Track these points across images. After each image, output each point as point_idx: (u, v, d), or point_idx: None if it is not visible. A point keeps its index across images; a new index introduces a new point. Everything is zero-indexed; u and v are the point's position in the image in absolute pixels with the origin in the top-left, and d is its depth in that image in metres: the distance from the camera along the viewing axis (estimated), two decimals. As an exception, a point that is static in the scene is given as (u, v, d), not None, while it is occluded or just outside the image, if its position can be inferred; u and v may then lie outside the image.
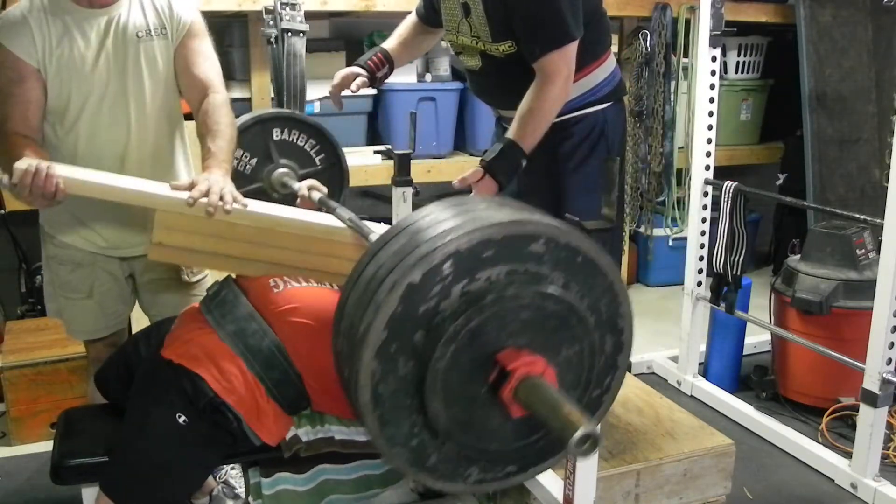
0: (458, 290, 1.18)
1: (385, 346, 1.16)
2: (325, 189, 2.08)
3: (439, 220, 1.21)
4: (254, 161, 2.27)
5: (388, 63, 2.32)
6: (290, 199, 2.18)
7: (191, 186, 1.77)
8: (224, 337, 1.73)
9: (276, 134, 2.29)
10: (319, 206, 2.00)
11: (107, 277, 2.13)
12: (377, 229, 1.76)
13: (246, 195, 2.24)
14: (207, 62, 2.06)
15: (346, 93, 2.29)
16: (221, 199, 1.76)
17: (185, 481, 1.76)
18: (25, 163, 1.70)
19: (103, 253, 2.10)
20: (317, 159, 2.35)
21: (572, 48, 1.98)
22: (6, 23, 1.91)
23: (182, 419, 1.66)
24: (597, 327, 1.28)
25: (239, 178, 2.24)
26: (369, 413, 1.19)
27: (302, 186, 2.09)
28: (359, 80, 2.24)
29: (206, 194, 1.76)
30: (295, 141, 2.31)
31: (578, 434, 1.05)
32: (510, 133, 2.01)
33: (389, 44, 2.35)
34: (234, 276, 1.90)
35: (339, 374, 1.30)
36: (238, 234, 1.81)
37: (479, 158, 2.05)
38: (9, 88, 1.89)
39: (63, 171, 1.74)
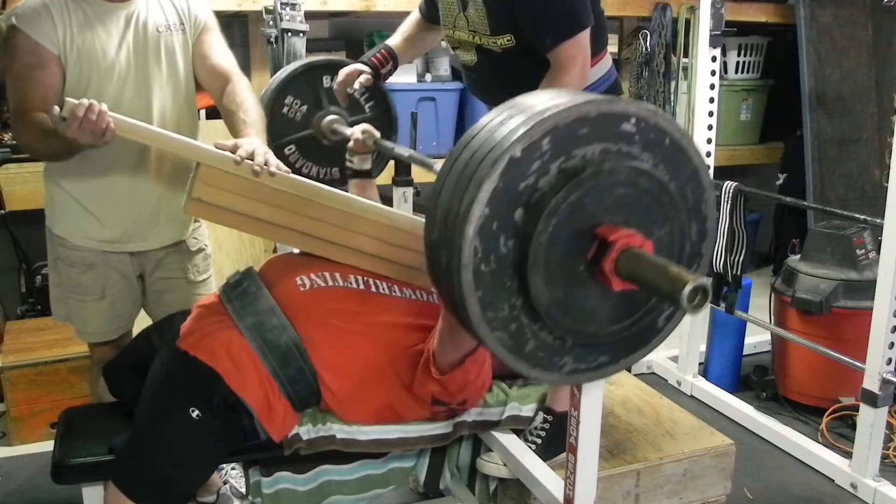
0: (555, 167, 1.20)
1: (487, 223, 1.18)
2: (377, 133, 2.11)
3: (527, 107, 1.23)
4: (304, 108, 2.30)
5: (393, 60, 2.33)
6: (341, 144, 2.22)
7: (234, 148, 1.78)
8: (243, 329, 1.73)
9: (326, 81, 2.31)
10: (374, 149, 2.01)
11: (118, 278, 2.14)
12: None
13: (296, 142, 2.31)
14: (225, 53, 2.12)
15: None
16: (266, 162, 1.78)
17: (194, 476, 1.76)
18: (76, 100, 1.70)
19: (113, 250, 2.10)
20: (366, 106, 2.38)
21: (585, 36, 1.97)
22: (26, 9, 1.93)
23: (195, 413, 1.66)
24: (684, 211, 1.30)
25: (289, 125, 2.31)
26: (471, 293, 1.20)
27: (355, 131, 2.13)
28: (363, 78, 2.25)
29: (251, 156, 1.77)
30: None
31: (689, 286, 1.07)
32: None
33: (394, 40, 2.36)
34: (256, 268, 1.90)
35: (434, 265, 1.29)
36: (275, 201, 1.81)
37: None
38: (28, 73, 1.91)
39: (112, 113, 1.75)
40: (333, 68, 2.29)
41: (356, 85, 2.25)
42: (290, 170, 1.85)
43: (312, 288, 1.81)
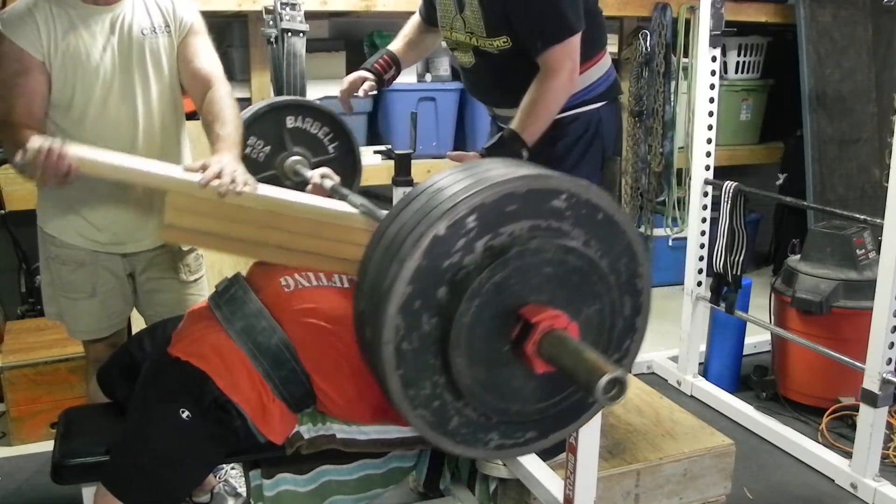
0: (481, 245, 1.18)
1: (409, 301, 1.16)
2: (337, 177, 2.09)
3: (460, 179, 1.22)
4: (267, 148, 2.27)
5: (395, 65, 2.33)
6: (302, 186, 2.20)
7: (202, 168, 1.78)
8: (233, 334, 1.73)
9: (290, 121, 2.29)
10: (332, 194, 2.00)
11: (109, 276, 2.14)
12: None
13: (259, 182, 2.27)
14: (209, 57, 2.09)
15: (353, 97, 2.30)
16: (233, 181, 1.77)
17: (187, 477, 1.76)
18: (38, 141, 1.70)
19: (104, 250, 2.10)
20: (330, 147, 2.35)
21: (575, 41, 1.98)
22: (11, 16, 1.93)
23: (185, 414, 1.66)
24: (616, 287, 1.29)
25: (252, 166, 2.25)
26: (392, 372, 1.18)
27: (314, 174, 2.10)
28: (367, 85, 2.25)
29: (219, 176, 1.76)
30: (308, 128, 2.31)
31: (606, 378, 1.05)
32: (513, 123, 2.02)
33: (395, 45, 2.36)
34: (243, 273, 1.90)
35: (359, 336, 1.29)
36: (249, 218, 1.80)
37: (482, 148, 2.05)
38: (13, 80, 1.90)
39: (75, 151, 1.74)
40: (297, 109, 2.28)
41: (360, 93, 2.25)
42: (257, 185, 1.83)
43: (297, 288, 1.81)
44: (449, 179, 1.23)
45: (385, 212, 1.80)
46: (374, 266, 1.23)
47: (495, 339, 1.21)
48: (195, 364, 1.69)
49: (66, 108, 1.97)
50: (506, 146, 1.99)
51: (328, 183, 2.03)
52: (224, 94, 2.03)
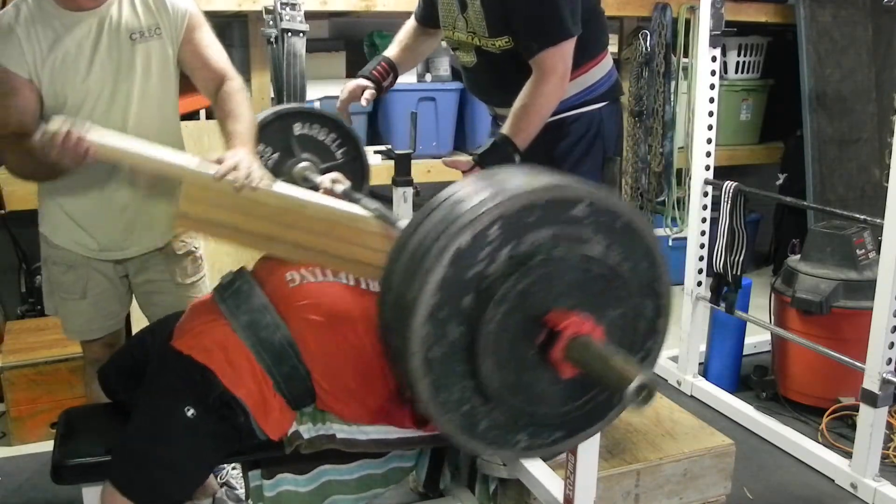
0: (505, 254, 1.21)
1: (435, 311, 1.19)
2: (347, 182, 2.09)
3: (480, 189, 1.24)
4: (275, 156, 2.27)
5: (393, 71, 2.33)
6: None
7: (219, 162, 1.77)
8: (237, 328, 1.72)
9: (297, 128, 2.29)
10: (343, 198, 2.01)
11: (101, 279, 2.13)
12: (404, 219, 1.76)
13: None
14: (217, 50, 2.07)
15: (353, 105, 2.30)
16: (249, 175, 1.77)
17: (190, 476, 1.76)
18: (58, 122, 1.70)
19: (95, 256, 2.10)
20: (338, 153, 2.36)
21: (569, 45, 1.98)
22: None
23: (190, 412, 1.66)
24: (637, 291, 1.32)
25: None
26: (421, 379, 1.21)
27: (324, 179, 2.10)
28: (367, 93, 2.25)
29: (235, 170, 1.76)
30: (316, 135, 2.31)
31: (635, 383, 1.09)
32: (504, 128, 2.02)
33: (391, 51, 2.36)
34: (249, 267, 1.89)
35: (385, 346, 1.32)
36: (262, 213, 1.81)
37: (471, 152, 2.06)
38: (2, 101, 1.89)
39: (95, 136, 1.74)
40: (304, 116, 2.28)
41: (362, 101, 2.25)
42: (273, 181, 1.83)
43: (302, 283, 1.80)
44: (468, 190, 1.25)
45: (400, 218, 1.81)
46: (398, 277, 1.25)
47: (521, 345, 1.24)
48: (198, 359, 1.68)
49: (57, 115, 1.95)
50: (498, 151, 1.99)
51: (339, 187, 2.04)
52: (236, 88, 2.02)
